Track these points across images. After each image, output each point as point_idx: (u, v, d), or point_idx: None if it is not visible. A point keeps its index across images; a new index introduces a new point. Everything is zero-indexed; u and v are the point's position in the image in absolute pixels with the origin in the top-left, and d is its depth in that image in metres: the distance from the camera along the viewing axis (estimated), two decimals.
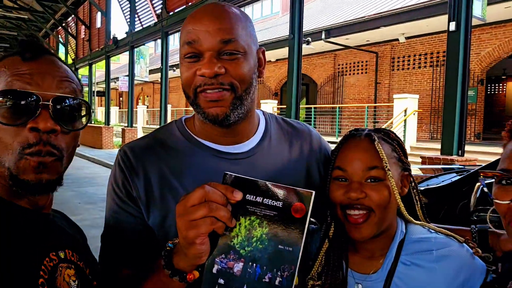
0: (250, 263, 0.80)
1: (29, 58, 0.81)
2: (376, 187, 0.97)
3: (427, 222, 1.08)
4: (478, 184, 1.72)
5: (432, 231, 1.04)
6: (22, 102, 0.77)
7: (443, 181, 2.39)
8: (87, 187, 9.61)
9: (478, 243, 1.08)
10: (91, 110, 0.89)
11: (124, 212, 1.01)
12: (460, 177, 2.37)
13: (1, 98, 0.76)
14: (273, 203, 0.79)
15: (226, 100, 0.94)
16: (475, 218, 1.69)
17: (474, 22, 6.43)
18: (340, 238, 1.03)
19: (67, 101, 0.82)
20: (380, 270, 1.00)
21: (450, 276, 0.96)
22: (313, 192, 0.78)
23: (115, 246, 1.02)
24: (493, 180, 0.87)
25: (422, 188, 2.34)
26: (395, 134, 1.08)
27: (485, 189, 0.89)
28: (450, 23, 6.04)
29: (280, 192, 0.80)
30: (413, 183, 1.09)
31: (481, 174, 0.89)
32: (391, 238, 1.03)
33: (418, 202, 1.09)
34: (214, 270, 0.81)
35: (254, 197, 0.80)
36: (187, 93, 0.98)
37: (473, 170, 2.37)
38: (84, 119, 0.88)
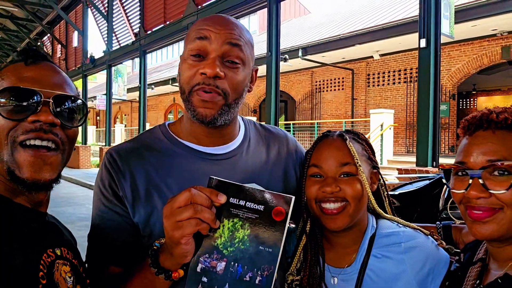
0: (232, 263, 0.85)
1: (31, 63, 0.87)
2: (349, 181, 1.05)
3: (396, 217, 1.15)
4: (445, 186, 1.83)
5: (401, 225, 1.12)
6: (25, 98, 0.83)
7: (416, 187, 2.50)
8: (64, 207, 9.41)
9: (443, 238, 1.17)
10: (88, 110, 0.97)
11: (111, 211, 1.05)
12: (430, 181, 2.49)
13: (5, 94, 0.82)
14: (255, 206, 0.85)
15: (217, 104, 1.01)
16: (444, 216, 1.79)
17: (444, 39, 6.71)
18: (316, 234, 1.10)
19: (67, 100, 0.89)
20: (354, 263, 1.07)
21: (417, 266, 1.03)
22: (293, 197, 0.84)
23: (102, 244, 1.06)
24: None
25: (396, 193, 2.44)
26: (363, 135, 1.18)
27: (443, 180, 0.98)
28: (421, 40, 6.29)
29: (262, 196, 0.85)
30: (381, 180, 1.17)
31: (440, 167, 0.98)
32: (363, 232, 1.10)
33: (387, 199, 1.18)
34: (198, 269, 0.86)
35: (237, 200, 0.85)
36: (184, 89, 1.04)
37: (441, 175, 2.49)
38: (82, 117, 0.95)
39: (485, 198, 0.86)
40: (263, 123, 1.31)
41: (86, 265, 1.03)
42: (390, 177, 4.82)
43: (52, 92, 0.86)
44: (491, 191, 0.85)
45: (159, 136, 1.13)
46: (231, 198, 0.85)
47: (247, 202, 0.85)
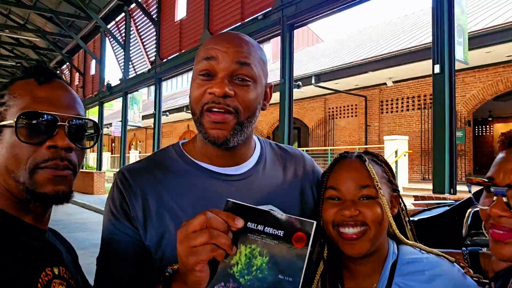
0: None
1: (43, 81, 0.87)
2: (369, 204, 1.00)
3: (417, 243, 1.09)
4: (469, 210, 1.75)
5: (424, 251, 1.06)
6: (42, 122, 0.83)
7: (436, 213, 2.42)
8: (78, 233, 9.41)
9: (470, 265, 1.09)
10: (100, 131, 0.98)
11: (121, 233, 1.02)
12: (450, 207, 2.40)
13: (22, 118, 0.82)
14: (275, 231, 0.79)
15: (229, 124, 0.99)
16: (468, 242, 1.71)
17: (458, 65, 6.69)
18: (334, 260, 1.05)
19: (80, 122, 0.89)
20: None
21: None
22: (315, 222, 0.78)
23: (111, 267, 1.02)
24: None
25: (416, 219, 2.37)
26: (382, 157, 1.13)
27: (471, 195, 0.93)
28: (435, 65, 6.28)
29: (282, 221, 0.79)
30: (402, 204, 1.12)
31: (468, 180, 0.93)
32: (384, 259, 1.04)
33: (408, 224, 1.12)
34: None
35: (256, 225, 0.79)
36: (194, 110, 1.02)
37: (463, 200, 2.41)
38: (92, 140, 0.97)
39: (508, 218, 0.81)
40: (280, 143, 1.28)
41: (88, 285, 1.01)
42: (407, 202, 4.72)
43: (67, 116, 0.86)
44: None
45: (172, 155, 1.11)
46: (248, 223, 0.80)
47: (266, 227, 0.79)
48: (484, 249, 1.21)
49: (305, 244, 0.78)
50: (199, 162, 1.09)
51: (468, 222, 1.73)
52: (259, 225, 0.79)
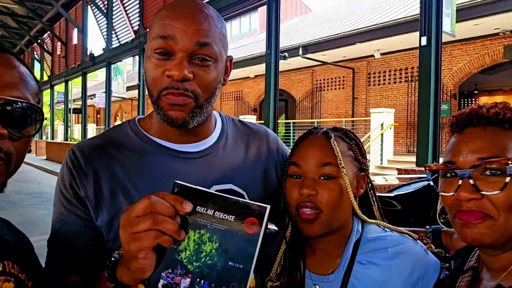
0: (198, 279, 0.74)
1: None
2: (328, 185, 0.96)
3: (384, 222, 1.08)
4: None
5: (387, 229, 1.04)
6: None
7: (414, 189, 2.42)
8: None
9: (432, 243, 1.08)
10: (44, 117, 0.84)
11: (71, 214, 0.96)
12: (428, 182, 2.40)
13: None
14: (225, 216, 0.74)
15: (187, 106, 0.92)
16: (442, 220, 1.70)
17: (445, 38, 6.63)
18: (297, 239, 1.03)
19: (18, 105, 0.76)
20: (337, 270, 0.99)
21: (405, 272, 0.96)
22: (268, 207, 0.73)
23: (61, 250, 0.97)
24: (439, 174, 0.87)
25: (392, 195, 2.36)
26: (354, 134, 1.09)
27: (431, 183, 0.89)
28: (421, 37, 6.22)
29: (233, 205, 0.74)
30: (370, 184, 1.08)
31: (426, 168, 0.89)
32: (347, 237, 1.02)
33: (375, 203, 1.09)
34: (160, 285, 0.76)
35: (205, 209, 0.75)
36: (151, 92, 0.94)
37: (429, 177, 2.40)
38: (37, 125, 0.82)
39: (477, 200, 0.77)
40: (244, 119, 1.22)
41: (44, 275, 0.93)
42: (390, 177, 4.74)
43: (1, 97, 0.74)
44: (482, 192, 0.77)
45: (127, 131, 1.04)
46: (198, 207, 0.74)
47: (216, 212, 0.74)
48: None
49: (258, 230, 0.73)
50: (156, 139, 1.02)
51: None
52: (209, 209, 0.75)
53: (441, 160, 0.89)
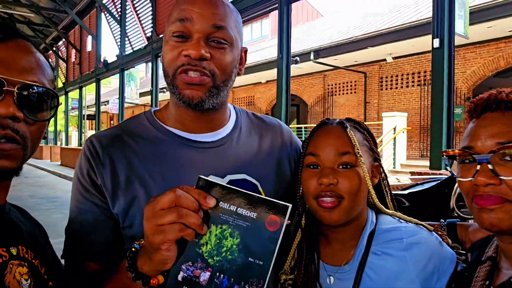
0: (218, 274, 0.76)
1: (0, 40, 0.76)
2: (347, 174, 0.96)
3: (398, 212, 1.07)
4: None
5: (402, 220, 1.04)
6: None
7: (427, 187, 2.40)
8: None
9: (448, 236, 1.08)
10: (59, 102, 0.86)
11: (88, 202, 0.98)
12: (441, 180, 2.38)
13: None
14: (247, 213, 0.75)
15: (205, 85, 0.94)
16: (456, 215, 1.69)
17: (458, 40, 6.57)
18: (311, 229, 1.03)
19: (35, 89, 0.78)
20: (352, 261, 0.98)
21: (420, 263, 0.95)
22: (290, 206, 0.75)
23: (79, 238, 0.99)
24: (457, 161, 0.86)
25: (406, 193, 2.34)
26: (364, 124, 1.09)
27: (448, 168, 0.88)
28: (434, 40, 6.17)
29: (256, 202, 0.75)
30: (383, 174, 1.09)
31: (443, 153, 0.88)
32: (362, 228, 1.02)
33: (388, 193, 1.09)
34: (180, 277, 0.77)
35: (228, 205, 0.76)
36: (167, 72, 0.97)
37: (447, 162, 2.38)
38: (52, 110, 0.83)
39: (495, 185, 0.76)
40: (258, 113, 1.23)
41: (58, 265, 0.95)
42: (404, 178, 4.70)
43: (18, 81, 0.75)
44: (501, 177, 0.76)
45: (143, 122, 1.06)
46: (221, 202, 0.76)
47: (239, 208, 0.76)
48: (471, 222, 1.18)
49: (279, 228, 0.74)
50: (171, 129, 1.04)
51: (456, 194, 1.71)
52: (231, 205, 0.76)
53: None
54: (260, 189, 1.05)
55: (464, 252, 1.02)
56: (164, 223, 0.71)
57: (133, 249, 0.83)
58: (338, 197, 0.95)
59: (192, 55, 0.91)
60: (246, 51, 1.07)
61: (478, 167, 0.78)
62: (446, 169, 0.98)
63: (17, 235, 0.81)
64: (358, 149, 0.97)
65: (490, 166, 0.77)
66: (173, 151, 1.01)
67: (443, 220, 1.13)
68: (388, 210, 1.06)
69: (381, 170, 1.08)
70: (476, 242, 1.00)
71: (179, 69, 0.94)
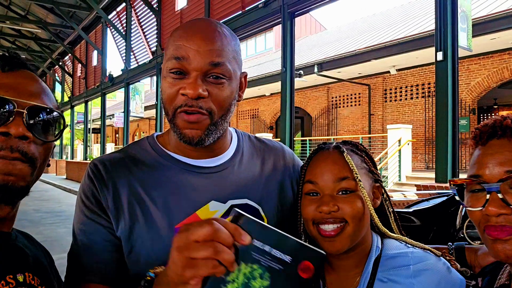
0: None
1: (8, 70, 0.82)
2: (348, 199, 0.95)
3: (402, 235, 1.05)
4: None
5: (409, 245, 1.01)
6: None
7: (432, 204, 2.37)
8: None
9: (456, 261, 1.05)
10: (65, 124, 0.91)
11: (93, 223, 0.97)
12: (448, 197, 2.35)
13: None
14: (282, 256, 0.70)
15: (202, 124, 0.94)
16: (462, 235, 1.67)
17: (462, 53, 6.57)
18: None
19: (43, 113, 0.83)
20: None
21: None
22: (325, 254, 0.72)
23: (83, 260, 0.97)
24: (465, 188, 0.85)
25: (411, 210, 2.32)
26: (363, 146, 1.08)
27: (457, 197, 0.86)
28: (437, 53, 6.18)
29: (291, 245, 0.71)
30: (385, 195, 1.07)
31: (451, 182, 0.86)
32: (367, 254, 0.99)
33: (392, 215, 1.07)
34: None
35: (262, 244, 0.71)
36: (167, 111, 0.97)
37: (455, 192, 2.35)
38: (58, 132, 0.88)
39: (507, 215, 0.75)
40: (259, 136, 1.23)
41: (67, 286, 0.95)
42: (409, 193, 4.66)
43: (27, 103, 0.79)
44: None
45: (146, 147, 1.07)
46: (254, 240, 0.70)
47: (273, 249, 0.70)
48: (477, 243, 1.16)
49: (311, 275, 0.71)
50: (173, 154, 1.04)
51: (462, 213, 1.69)
52: (266, 245, 0.71)
53: (464, 175, 0.87)
54: (262, 213, 1.05)
55: (474, 274, 0.99)
56: (199, 257, 0.66)
57: (147, 277, 0.79)
58: (341, 221, 0.93)
59: (190, 95, 0.91)
60: (246, 76, 1.06)
61: (488, 196, 0.76)
62: (448, 197, 0.97)
63: (23, 262, 0.82)
64: (356, 173, 0.96)
65: (500, 195, 0.75)
66: (174, 176, 1.01)
67: (451, 244, 1.11)
68: (392, 234, 1.03)
69: (383, 191, 1.06)
70: (486, 266, 0.98)
71: (178, 109, 0.94)
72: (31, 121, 0.80)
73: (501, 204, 0.75)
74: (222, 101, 0.95)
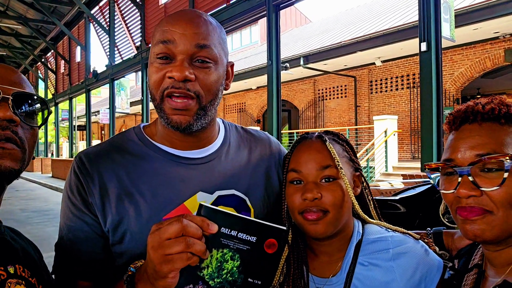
0: None
1: None
2: (330, 187, 0.98)
3: (382, 221, 1.08)
4: None
5: (389, 230, 1.05)
6: None
7: (418, 191, 2.42)
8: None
9: (434, 244, 1.09)
10: (49, 109, 0.93)
11: (79, 220, 0.98)
12: (432, 185, 2.40)
13: None
14: (247, 237, 0.79)
15: (191, 109, 0.94)
16: (445, 221, 1.70)
17: (445, 43, 6.66)
18: (299, 243, 1.03)
19: (28, 99, 0.86)
20: (339, 273, 0.99)
21: (407, 273, 0.96)
22: (285, 229, 0.82)
23: (69, 255, 0.98)
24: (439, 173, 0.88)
25: (397, 198, 2.36)
26: (343, 135, 1.11)
27: (431, 181, 0.90)
28: (421, 43, 6.25)
29: (254, 227, 0.80)
30: (364, 183, 1.10)
31: (426, 167, 0.89)
32: (348, 239, 1.03)
33: (371, 202, 1.10)
34: None
35: (229, 230, 0.79)
36: (154, 96, 0.97)
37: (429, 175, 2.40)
38: (43, 116, 0.91)
39: (476, 196, 0.78)
40: (247, 127, 1.25)
41: (54, 276, 0.96)
42: (395, 181, 4.72)
43: (12, 89, 0.82)
44: (482, 189, 0.78)
45: (132, 138, 1.06)
46: (222, 228, 0.78)
47: (239, 233, 0.79)
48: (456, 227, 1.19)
49: (277, 250, 0.81)
50: (160, 145, 1.04)
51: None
52: (232, 231, 0.79)
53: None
54: (249, 203, 1.06)
55: (451, 256, 1.03)
56: (173, 253, 0.72)
57: (129, 272, 0.83)
58: (323, 210, 0.96)
59: (176, 77, 0.91)
60: (233, 65, 1.07)
61: (459, 179, 0.80)
62: (430, 179, 1.00)
63: (13, 254, 0.83)
64: (338, 162, 0.98)
65: (470, 178, 0.79)
66: (162, 167, 1.01)
67: (430, 229, 1.14)
68: (372, 220, 1.07)
69: (363, 179, 1.09)
70: (462, 249, 1.02)
71: (165, 92, 0.93)
72: (17, 107, 0.82)
73: (472, 187, 0.78)
74: (209, 84, 0.95)
